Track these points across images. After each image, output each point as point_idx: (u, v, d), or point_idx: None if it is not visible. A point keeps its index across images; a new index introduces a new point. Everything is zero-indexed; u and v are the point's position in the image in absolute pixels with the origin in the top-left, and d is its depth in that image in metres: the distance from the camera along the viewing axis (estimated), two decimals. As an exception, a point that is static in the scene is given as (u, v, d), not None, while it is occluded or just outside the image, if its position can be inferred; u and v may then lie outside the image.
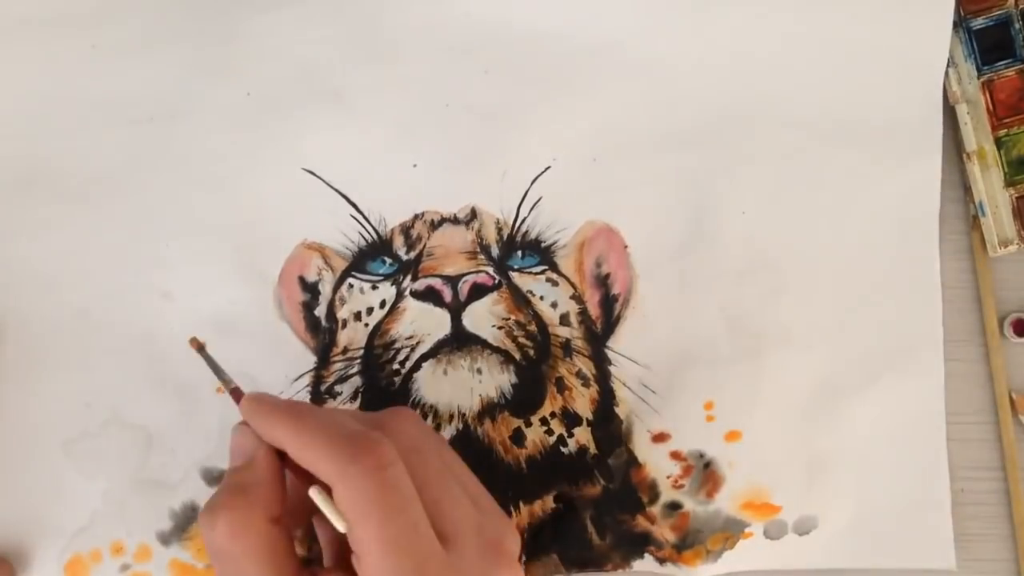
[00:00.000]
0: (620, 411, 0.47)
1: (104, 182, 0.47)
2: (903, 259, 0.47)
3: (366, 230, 0.47)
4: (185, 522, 0.46)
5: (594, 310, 0.48)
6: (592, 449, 0.47)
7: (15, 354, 0.47)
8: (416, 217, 0.47)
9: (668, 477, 0.47)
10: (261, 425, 0.37)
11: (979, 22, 0.47)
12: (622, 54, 0.48)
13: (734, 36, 0.48)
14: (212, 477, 0.46)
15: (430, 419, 0.46)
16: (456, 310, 0.46)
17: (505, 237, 0.47)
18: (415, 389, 0.46)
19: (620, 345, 0.47)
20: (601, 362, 0.47)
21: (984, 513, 0.47)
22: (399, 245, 0.47)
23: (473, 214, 0.48)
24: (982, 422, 0.48)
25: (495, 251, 0.47)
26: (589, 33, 0.48)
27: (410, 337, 0.46)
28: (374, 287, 0.47)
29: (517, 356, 0.47)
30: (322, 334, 0.47)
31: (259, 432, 0.37)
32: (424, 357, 0.46)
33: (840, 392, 0.47)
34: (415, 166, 0.48)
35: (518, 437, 0.47)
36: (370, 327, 0.47)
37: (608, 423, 0.47)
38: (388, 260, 0.47)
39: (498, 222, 0.48)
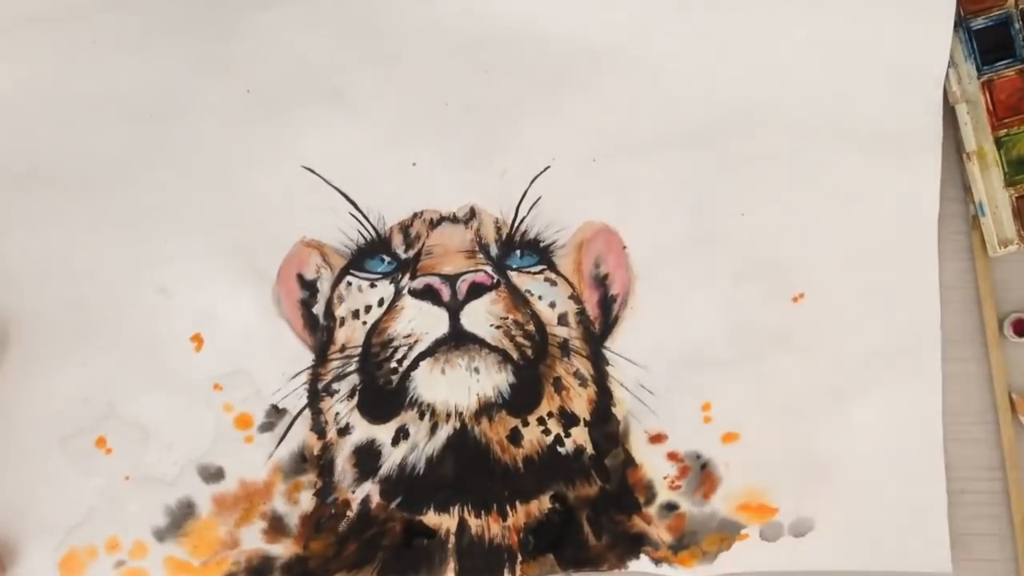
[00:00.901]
0: (617, 411, 0.47)
1: (103, 178, 0.47)
2: (902, 261, 0.47)
3: (365, 228, 0.47)
4: (180, 518, 0.46)
5: (592, 310, 0.48)
6: (589, 449, 0.47)
7: (12, 350, 0.46)
8: (415, 216, 0.47)
9: (665, 478, 0.47)
10: None
11: (979, 22, 0.48)
12: (622, 55, 0.48)
13: (733, 38, 0.48)
14: (209, 473, 0.46)
15: (427, 418, 0.46)
16: (454, 309, 0.46)
17: (504, 236, 0.47)
18: (412, 388, 0.46)
19: (618, 346, 0.47)
20: (599, 362, 0.47)
21: (984, 513, 0.47)
22: (398, 243, 0.47)
23: (472, 213, 0.48)
24: (982, 422, 0.48)
25: (494, 250, 0.47)
26: (589, 33, 0.48)
27: (408, 336, 0.46)
28: (372, 285, 0.47)
29: (515, 356, 0.47)
30: (320, 332, 0.47)
31: None
32: (422, 356, 0.46)
33: (838, 394, 0.47)
34: (414, 165, 0.48)
35: (515, 437, 0.47)
36: (368, 325, 0.47)
37: (605, 423, 0.47)
38: (387, 258, 0.47)
39: (497, 221, 0.48)
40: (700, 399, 0.47)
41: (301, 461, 0.47)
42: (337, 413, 0.47)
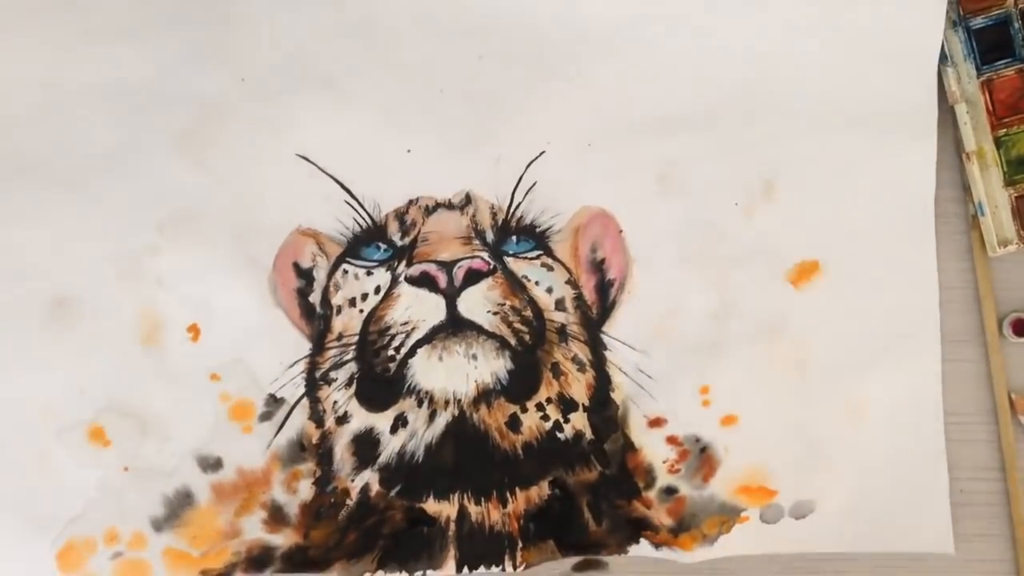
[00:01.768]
0: (616, 396, 0.47)
1: (96, 168, 0.47)
2: (899, 244, 0.47)
3: (360, 216, 0.47)
4: (179, 509, 0.46)
5: (590, 295, 0.47)
6: (588, 434, 0.47)
7: (9, 342, 0.46)
8: (410, 202, 0.47)
9: (664, 462, 0.47)
10: None
11: (978, 21, 0.47)
12: (616, 39, 0.48)
13: (728, 22, 0.47)
14: (208, 464, 0.46)
15: (426, 405, 0.46)
16: (451, 296, 0.46)
17: (500, 222, 0.47)
18: (410, 375, 0.46)
19: (616, 330, 0.47)
20: (597, 347, 0.47)
21: (984, 513, 0.47)
22: (393, 231, 0.47)
23: (468, 199, 0.47)
24: (981, 422, 0.48)
25: (490, 236, 0.47)
26: (583, 18, 0.47)
27: (405, 323, 0.46)
28: (369, 273, 0.47)
29: (512, 342, 0.46)
30: (317, 320, 0.47)
31: None
32: (419, 343, 0.46)
33: (837, 377, 0.47)
34: (409, 151, 0.47)
35: (514, 423, 0.47)
36: (365, 313, 0.47)
37: (604, 408, 0.47)
38: (382, 246, 0.47)
39: (493, 207, 0.47)
40: (699, 383, 0.47)
41: (300, 450, 0.47)
42: (335, 401, 0.47)
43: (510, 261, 0.47)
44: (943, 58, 0.47)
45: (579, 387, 0.47)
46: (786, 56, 0.47)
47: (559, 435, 0.47)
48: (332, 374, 0.47)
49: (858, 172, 0.47)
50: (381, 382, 0.46)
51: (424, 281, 0.46)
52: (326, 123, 0.47)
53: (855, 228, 0.47)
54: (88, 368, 0.46)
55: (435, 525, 0.46)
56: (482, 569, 0.46)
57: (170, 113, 0.47)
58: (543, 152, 0.47)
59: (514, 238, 0.47)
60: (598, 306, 0.47)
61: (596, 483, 0.47)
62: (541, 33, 0.47)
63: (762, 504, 0.46)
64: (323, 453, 0.47)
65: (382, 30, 0.47)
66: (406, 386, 0.46)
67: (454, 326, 0.46)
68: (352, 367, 0.47)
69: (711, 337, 0.47)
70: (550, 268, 0.47)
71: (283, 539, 0.46)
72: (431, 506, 0.46)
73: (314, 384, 0.47)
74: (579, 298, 0.47)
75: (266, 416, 0.47)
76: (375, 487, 0.46)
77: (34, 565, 0.46)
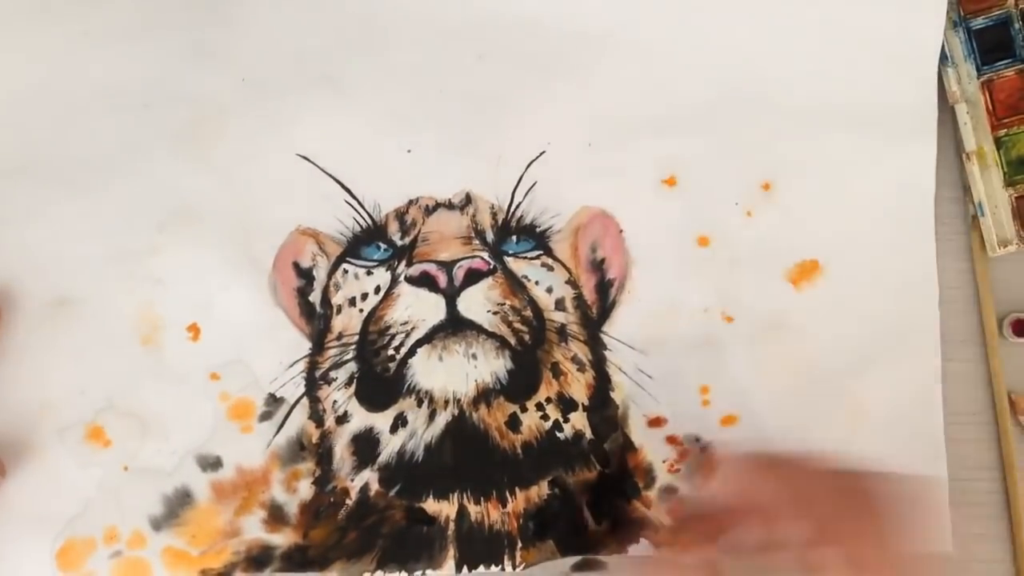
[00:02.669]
0: (616, 396, 0.47)
1: (97, 169, 0.47)
2: (899, 244, 0.47)
3: (360, 215, 0.47)
4: (179, 508, 0.46)
5: (590, 295, 0.48)
6: (588, 434, 0.47)
7: (8, 341, 0.46)
8: (410, 202, 0.47)
9: (664, 461, 0.47)
10: None
11: (979, 22, 0.47)
12: (616, 39, 0.48)
13: (727, 22, 0.48)
14: (207, 463, 0.46)
15: (425, 405, 0.46)
16: (451, 295, 0.46)
17: (500, 222, 0.47)
18: (410, 375, 0.46)
19: (616, 330, 0.47)
20: (597, 347, 0.47)
21: (983, 513, 0.47)
22: (393, 230, 0.47)
23: (468, 199, 0.47)
24: (981, 422, 0.48)
25: (490, 236, 0.47)
26: (583, 18, 0.48)
27: (405, 323, 0.46)
28: (369, 273, 0.47)
29: (512, 341, 0.46)
30: (317, 320, 0.47)
31: None
32: (419, 343, 0.46)
33: (837, 377, 0.47)
34: (409, 151, 0.47)
35: (514, 423, 0.47)
36: (365, 313, 0.47)
37: (604, 408, 0.47)
38: (383, 245, 0.47)
39: (493, 207, 0.47)
40: (699, 382, 0.47)
41: (299, 449, 0.47)
42: (335, 401, 0.47)
43: (510, 261, 0.47)
44: (943, 58, 0.47)
45: (579, 387, 0.47)
46: (786, 56, 0.48)
47: (559, 435, 0.47)
48: (332, 374, 0.47)
49: (858, 172, 0.47)
50: (381, 382, 0.46)
51: (424, 281, 0.46)
52: (326, 123, 0.47)
53: (855, 228, 0.47)
54: (88, 367, 0.46)
55: (435, 525, 0.46)
56: (481, 569, 0.46)
57: (171, 113, 0.47)
58: (543, 152, 0.47)
59: (514, 238, 0.47)
60: (598, 306, 0.47)
61: (596, 483, 0.47)
62: (541, 33, 0.48)
63: (763, 504, 0.46)
64: (323, 453, 0.47)
65: (382, 31, 0.48)
66: (406, 386, 0.46)
67: (454, 326, 0.46)
68: (352, 367, 0.47)
69: (711, 337, 0.47)
70: (550, 268, 0.47)
71: (283, 538, 0.46)
72: (431, 506, 0.46)
73: (314, 383, 0.47)
74: (579, 298, 0.47)
75: (266, 416, 0.47)
76: (375, 487, 0.46)
77: (34, 564, 0.46)
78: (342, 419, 0.47)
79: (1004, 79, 0.48)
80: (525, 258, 0.47)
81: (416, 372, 0.46)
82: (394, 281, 0.47)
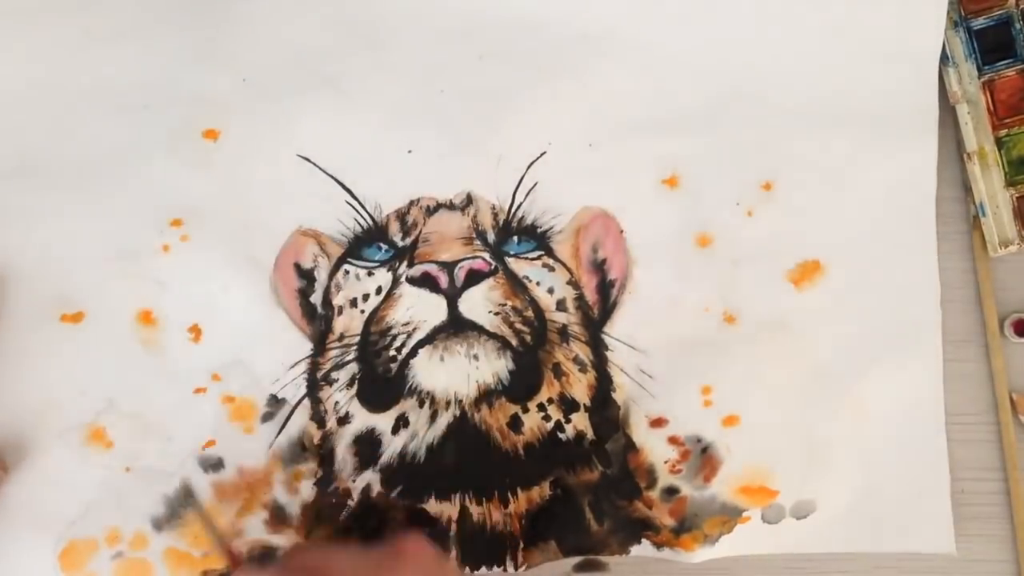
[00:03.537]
0: (617, 396, 0.47)
1: (96, 169, 0.47)
2: (901, 243, 0.47)
3: (361, 216, 0.47)
4: (179, 507, 0.46)
5: (591, 295, 0.47)
6: (590, 435, 0.47)
7: (9, 342, 0.46)
8: (411, 203, 0.47)
9: (666, 462, 0.47)
10: None
11: (980, 22, 0.47)
12: (617, 39, 0.48)
13: (728, 21, 0.47)
14: (209, 464, 0.46)
15: (427, 406, 0.46)
16: (452, 296, 0.46)
17: (501, 223, 0.47)
18: (412, 376, 0.46)
19: (617, 330, 0.47)
20: (598, 347, 0.47)
21: (984, 513, 0.47)
22: (394, 231, 0.47)
23: (469, 200, 0.47)
24: (982, 423, 0.47)
25: (491, 237, 0.47)
26: (584, 18, 0.47)
27: (406, 323, 0.46)
28: (370, 273, 0.47)
29: (514, 342, 0.46)
30: (318, 321, 0.47)
31: None
32: (421, 343, 0.46)
33: (839, 376, 0.47)
34: (410, 152, 0.47)
35: (515, 423, 0.47)
36: (366, 314, 0.47)
37: (606, 409, 0.47)
38: (384, 246, 0.47)
39: (494, 208, 0.47)
40: (700, 383, 0.47)
41: (301, 450, 0.47)
42: (336, 402, 0.47)
43: (511, 261, 0.47)
44: (944, 58, 0.47)
45: (580, 387, 0.47)
46: (787, 56, 0.47)
47: (560, 435, 0.47)
48: (333, 375, 0.47)
49: (859, 172, 0.47)
50: (382, 383, 0.46)
51: (425, 281, 0.46)
52: (327, 124, 0.47)
53: (856, 228, 0.47)
54: (89, 369, 0.46)
55: (436, 526, 0.46)
56: (483, 569, 0.46)
57: (171, 114, 0.47)
58: (544, 152, 0.47)
59: (515, 238, 0.47)
60: (599, 306, 0.47)
61: (597, 483, 0.47)
62: (542, 33, 0.47)
63: (763, 504, 0.46)
64: (324, 454, 0.47)
65: (383, 30, 0.47)
66: (407, 387, 0.46)
67: (455, 326, 0.46)
68: (353, 367, 0.47)
69: (712, 337, 0.47)
70: (551, 268, 0.47)
71: (285, 539, 0.46)
72: (432, 507, 0.46)
73: (315, 385, 0.47)
74: (580, 298, 0.47)
75: (267, 417, 0.47)
76: (376, 488, 0.46)
77: (36, 565, 0.46)
78: (344, 420, 0.47)
79: (1005, 79, 0.47)
80: (526, 259, 0.47)
81: (418, 373, 0.46)
82: (395, 282, 0.47)
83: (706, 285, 0.47)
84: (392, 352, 0.46)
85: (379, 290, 0.47)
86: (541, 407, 0.47)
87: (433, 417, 0.46)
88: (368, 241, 0.47)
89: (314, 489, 0.47)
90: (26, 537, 0.46)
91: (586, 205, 0.48)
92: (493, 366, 0.46)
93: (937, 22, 0.47)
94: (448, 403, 0.46)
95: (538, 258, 0.47)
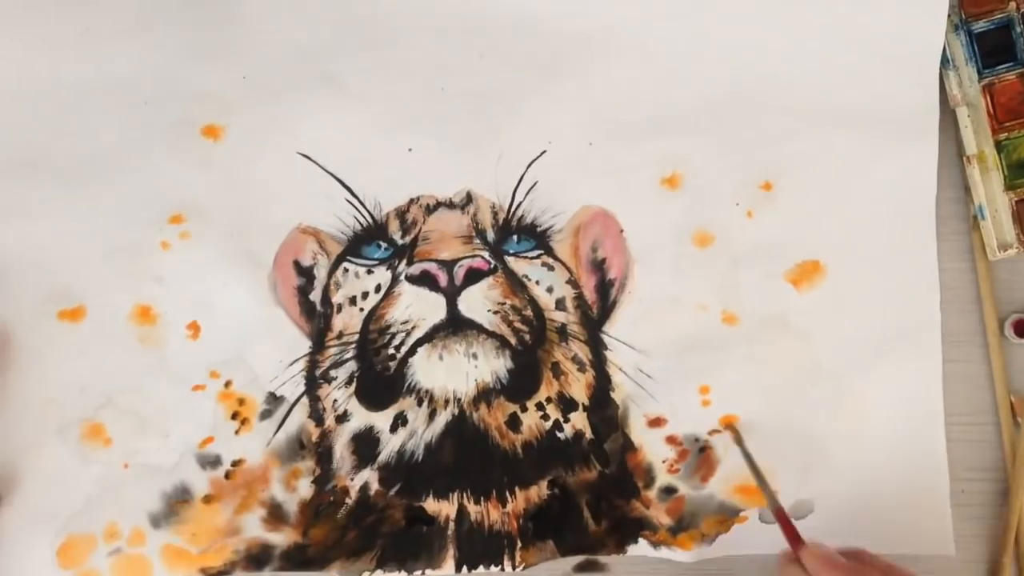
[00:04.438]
0: (616, 396, 0.47)
1: (98, 165, 0.47)
2: (900, 245, 0.47)
3: (361, 214, 0.47)
4: (178, 506, 0.46)
5: (590, 295, 0.47)
6: (588, 434, 0.47)
7: (9, 339, 0.46)
8: (411, 201, 0.47)
9: (664, 461, 0.47)
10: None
11: (980, 25, 0.47)
12: (618, 40, 0.48)
13: (728, 22, 0.48)
14: (207, 461, 0.46)
15: (426, 404, 0.46)
16: (451, 295, 0.46)
17: (501, 221, 0.47)
18: (410, 374, 0.46)
19: (616, 330, 0.47)
20: (597, 347, 0.47)
21: (984, 513, 0.47)
22: (394, 229, 0.47)
23: (468, 198, 0.47)
24: (982, 423, 0.47)
25: (491, 235, 0.47)
26: (585, 18, 0.48)
27: (405, 322, 0.46)
28: (369, 271, 0.47)
29: (513, 341, 0.46)
30: (317, 319, 0.47)
31: None
32: (419, 342, 0.46)
33: (837, 377, 0.47)
34: (410, 150, 0.47)
35: (514, 422, 0.47)
36: (365, 312, 0.47)
37: (604, 408, 0.47)
38: (383, 244, 0.47)
39: (494, 206, 0.47)
40: (698, 382, 0.47)
41: (299, 448, 0.47)
42: (335, 400, 0.47)
43: (511, 260, 0.47)
44: (945, 61, 0.47)
45: (579, 387, 0.47)
46: (787, 57, 0.47)
47: (559, 434, 0.47)
48: (332, 372, 0.47)
49: (859, 174, 0.47)
50: (381, 381, 0.46)
51: (425, 280, 0.46)
52: (327, 122, 0.47)
53: (856, 229, 0.47)
54: (88, 366, 0.47)
55: (434, 524, 0.46)
56: (481, 569, 0.46)
57: (172, 111, 0.47)
58: (544, 152, 0.47)
59: (515, 237, 0.47)
60: (598, 306, 0.47)
61: (596, 482, 0.47)
62: (542, 33, 0.48)
63: (761, 504, 0.46)
64: (323, 451, 0.47)
65: (384, 29, 0.48)
66: (406, 385, 0.46)
67: (454, 325, 0.46)
68: (352, 365, 0.47)
69: (711, 337, 0.47)
70: (551, 268, 0.47)
71: (282, 537, 0.46)
72: (430, 505, 0.46)
73: (314, 382, 0.47)
74: (579, 298, 0.47)
75: (266, 414, 0.47)
76: (374, 486, 0.46)
77: (35, 561, 0.46)
78: (342, 418, 0.47)
79: (1005, 83, 0.47)
80: (526, 257, 0.47)
81: (416, 371, 0.46)
82: (395, 280, 0.47)
83: (705, 285, 0.47)
84: (391, 350, 0.46)
85: (378, 288, 0.47)
86: (540, 406, 0.47)
87: (432, 415, 0.46)
88: (368, 239, 0.47)
89: (312, 487, 0.46)
90: (25, 532, 0.46)
91: (586, 204, 0.48)
92: (492, 365, 0.46)
93: (938, 25, 0.47)
94: (447, 401, 0.46)
95: (537, 257, 0.47)
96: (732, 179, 0.47)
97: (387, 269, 0.47)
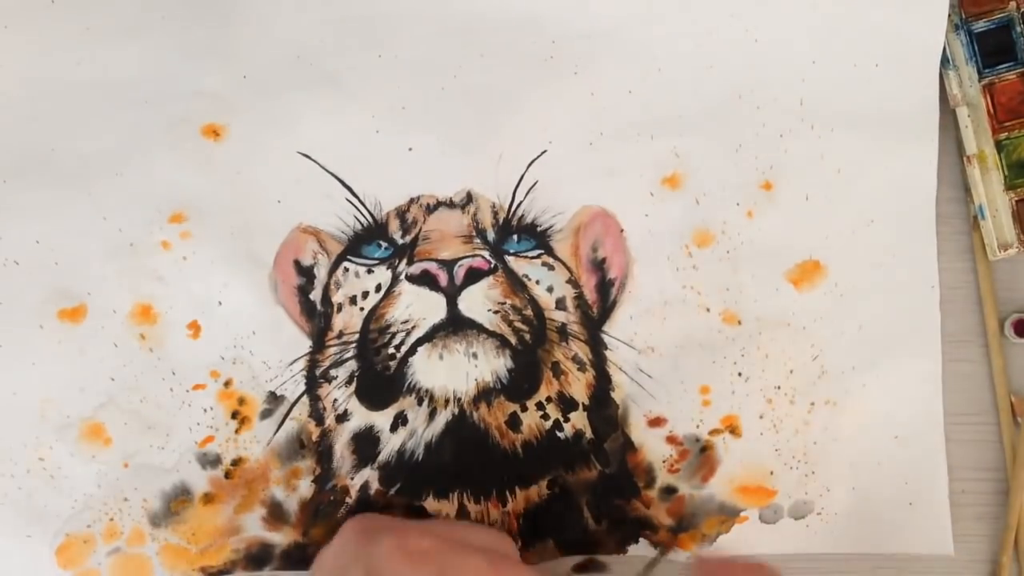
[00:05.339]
0: (616, 396, 0.47)
1: (97, 165, 0.47)
2: (900, 245, 0.47)
3: (361, 214, 0.47)
4: (176, 503, 0.46)
5: (590, 295, 0.47)
6: (588, 434, 0.47)
7: (9, 338, 0.46)
8: (412, 201, 0.47)
9: (664, 461, 0.47)
10: None
11: (980, 25, 0.47)
12: (618, 38, 0.48)
13: (730, 21, 0.47)
14: (207, 460, 0.46)
15: (426, 404, 0.46)
16: (452, 294, 0.46)
17: (501, 221, 0.47)
18: (411, 374, 0.46)
19: (616, 330, 0.47)
20: (597, 346, 0.47)
21: (984, 513, 0.47)
22: (394, 229, 0.47)
23: (469, 198, 0.47)
24: (982, 423, 0.47)
25: (491, 235, 0.47)
26: (586, 16, 0.47)
27: (405, 321, 0.46)
28: (369, 271, 0.47)
29: (513, 340, 0.46)
30: (317, 318, 0.47)
31: None
32: (420, 341, 0.46)
33: (838, 377, 0.47)
34: (410, 150, 0.47)
35: (514, 422, 0.47)
36: (365, 311, 0.47)
37: (604, 408, 0.47)
38: (383, 244, 0.47)
39: (494, 206, 0.47)
40: (699, 382, 0.47)
41: (299, 448, 0.47)
42: (335, 399, 0.47)
43: (511, 260, 0.47)
44: (945, 61, 0.47)
45: (579, 386, 0.47)
46: (787, 57, 0.47)
47: (559, 434, 0.47)
48: (332, 372, 0.47)
49: (859, 173, 0.47)
50: (381, 380, 0.46)
51: (425, 279, 0.46)
52: (327, 121, 0.47)
53: (856, 229, 0.47)
54: (88, 365, 0.46)
55: (434, 524, 0.46)
56: (481, 568, 0.46)
57: (171, 110, 0.47)
58: (545, 151, 0.47)
59: (515, 237, 0.47)
60: (599, 305, 0.47)
61: (596, 482, 0.47)
62: (543, 32, 0.47)
63: (761, 504, 0.46)
64: (323, 451, 0.47)
65: (384, 28, 0.47)
66: (406, 384, 0.46)
67: (455, 325, 0.46)
68: (352, 365, 0.47)
69: (712, 337, 0.47)
70: (551, 267, 0.47)
71: (282, 537, 0.46)
72: (431, 505, 0.46)
73: (314, 382, 0.47)
74: (580, 297, 0.47)
75: (266, 413, 0.47)
76: (375, 485, 0.46)
77: (33, 561, 0.46)
78: (342, 417, 0.47)
79: (1006, 83, 0.47)
80: (526, 257, 0.47)
81: (416, 371, 0.46)
82: (395, 279, 0.47)
83: (706, 285, 0.47)
84: (391, 350, 0.46)
85: (378, 288, 0.47)
86: (540, 406, 0.47)
87: (432, 415, 0.46)
88: (368, 239, 0.47)
89: (312, 486, 0.46)
90: (23, 532, 0.46)
91: (586, 204, 0.48)
92: (492, 364, 0.46)
93: (938, 24, 0.47)
94: (447, 401, 0.46)
95: (538, 257, 0.47)
96: (732, 179, 0.47)
97: (387, 269, 0.47)
